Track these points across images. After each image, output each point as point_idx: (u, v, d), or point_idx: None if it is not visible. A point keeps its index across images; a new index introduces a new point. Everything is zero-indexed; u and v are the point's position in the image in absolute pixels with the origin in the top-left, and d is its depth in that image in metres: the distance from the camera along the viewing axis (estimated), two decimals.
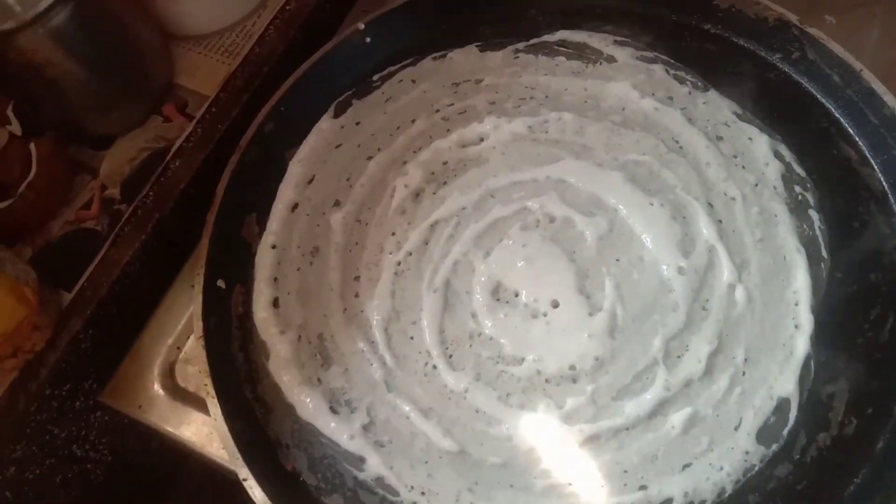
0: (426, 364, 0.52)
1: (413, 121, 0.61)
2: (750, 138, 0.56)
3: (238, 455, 0.48)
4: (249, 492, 0.47)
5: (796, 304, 0.51)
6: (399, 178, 0.58)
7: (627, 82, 0.59)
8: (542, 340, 0.51)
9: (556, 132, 0.58)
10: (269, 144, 0.60)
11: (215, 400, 0.50)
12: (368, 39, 0.63)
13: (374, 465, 0.49)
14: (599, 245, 0.53)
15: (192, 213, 0.59)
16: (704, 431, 0.48)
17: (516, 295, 0.53)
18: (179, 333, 0.60)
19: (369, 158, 0.60)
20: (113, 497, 0.68)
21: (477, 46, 0.63)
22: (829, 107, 0.58)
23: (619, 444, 0.48)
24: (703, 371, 0.49)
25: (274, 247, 0.57)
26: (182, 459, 0.75)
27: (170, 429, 0.57)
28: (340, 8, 0.72)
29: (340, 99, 0.63)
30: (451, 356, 0.52)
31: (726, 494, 0.47)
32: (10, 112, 0.62)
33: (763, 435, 0.48)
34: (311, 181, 0.59)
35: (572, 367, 0.50)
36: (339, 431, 0.51)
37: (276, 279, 0.56)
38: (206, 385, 0.51)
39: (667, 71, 0.60)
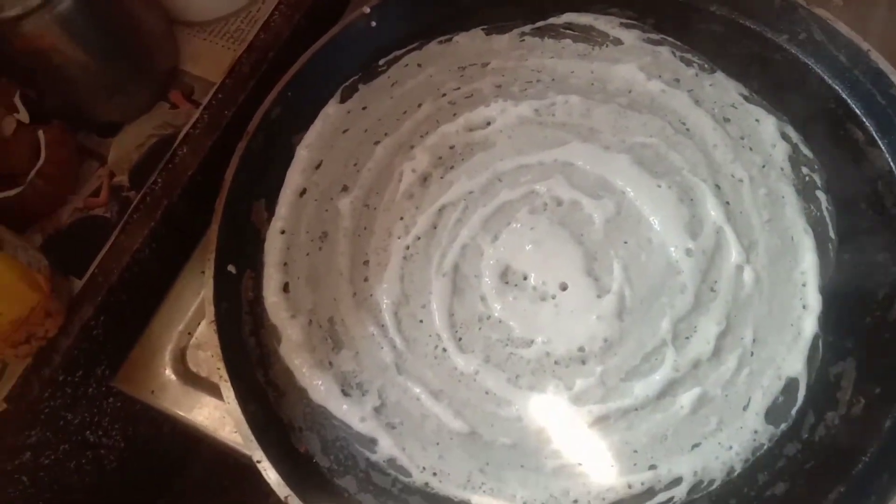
0: (436, 347, 0.52)
1: (419, 105, 0.61)
2: (757, 120, 0.57)
3: (252, 437, 0.49)
4: (263, 473, 0.48)
5: (804, 285, 0.51)
6: (406, 163, 0.58)
7: (634, 64, 0.59)
8: (551, 323, 0.51)
9: (562, 115, 0.58)
10: (276, 130, 0.60)
11: (228, 384, 0.51)
12: (374, 24, 0.63)
13: (386, 447, 0.50)
14: (607, 228, 0.54)
15: (201, 200, 0.59)
16: (713, 411, 0.49)
17: (525, 278, 0.53)
18: (190, 319, 0.60)
19: (376, 143, 0.60)
20: (125, 482, 0.69)
21: (483, 30, 0.63)
22: (837, 88, 0.57)
23: (629, 424, 0.49)
24: (711, 352, 0.50)
25: (283, 232, 0.57)
26: (193, 445, 0.76)
27: (182, 413, 0.57)
28: None
29: (347, 84, 0.63)
30: (460, 339, 0.52)
31: (735, 473, 0.47)
32: (17, 100, 0.63)
33: (772, 414, 0.48)
34: (318, 166, 0.60)
35: (581, 349, 0.50)
36: (351, 414, 0.51)
37: (285, 264, 0.57)
38: (219, 369, 0.51)
39: (673, 53, 0.60)
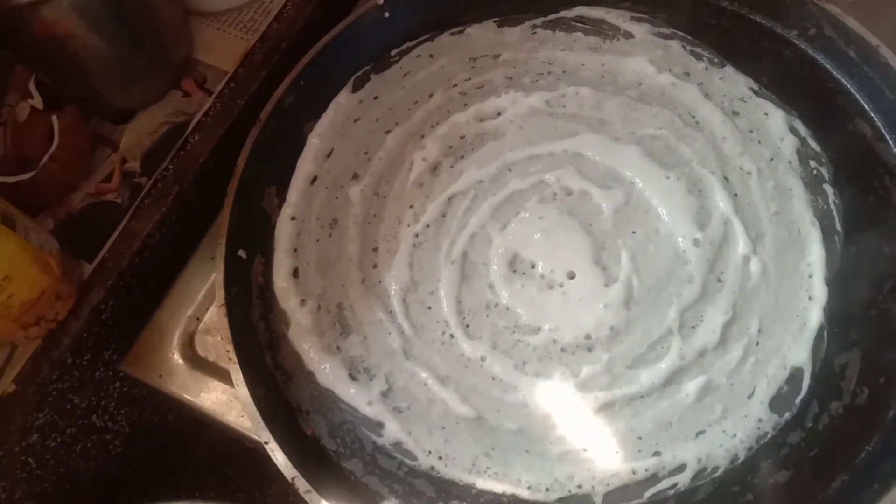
0: (443, 333, 0.53)
1: (431, 95, 0.61)
2: (766, 113, 0.57)
3: (260, 419, 0.49)
4: (271, 454, 0.48)
5: (810, 276, 0.51)
6: (417, 152, 0.59)
7: (645, 58, 0.60)
8: (559, 310, 0.52)
9: (573, 107, 0.59)
10: (288, 118, 0.60)
11: (237, 366, 0.51)
12: (387, 14, 0.63)
13: (393, 431, 0.50)
14: (616, 217, 0.54)
15: (212, 187, 0.59)
16: (718, 399, 0.49)
17: (533, 266, 0.54)
18: (199, 304, 0.61)
19: (387, 132, 0.60)
20: (130, 467, 0.69)
21: (495, 22, 0.64)
22: (845, 83, 0.58)
23: (634, 411, 0.49)
24: (717, 341, 0.50)
25: (293, 218, 0.58)
26: (197, 432, 0.76)
27: (189, 397, 0.58)
28: None
29: (359, 74, 0.63)
30: (468, 325, 0.53)
31: (739, 461, 0.48)
32: (31, 86, 0.63)
33: (776, 403, 0.49)
34: (329, 154, 0.60)
35: (588, 337, 0.51)
36: (359, 398, 0.52)
37: (295, 250, 0.57)
38: (228, 352, 0.52)
39: (683, 47, 0.60)
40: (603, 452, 0.49)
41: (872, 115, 0.56)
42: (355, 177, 0.59)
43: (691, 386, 0.49)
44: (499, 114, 0.60)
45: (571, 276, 0.53)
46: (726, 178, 0.55)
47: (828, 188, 0.54)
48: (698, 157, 0.55)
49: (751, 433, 0.48)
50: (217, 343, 0.59)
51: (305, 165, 0.60)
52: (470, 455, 0.49)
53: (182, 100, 0.66)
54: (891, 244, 0.52)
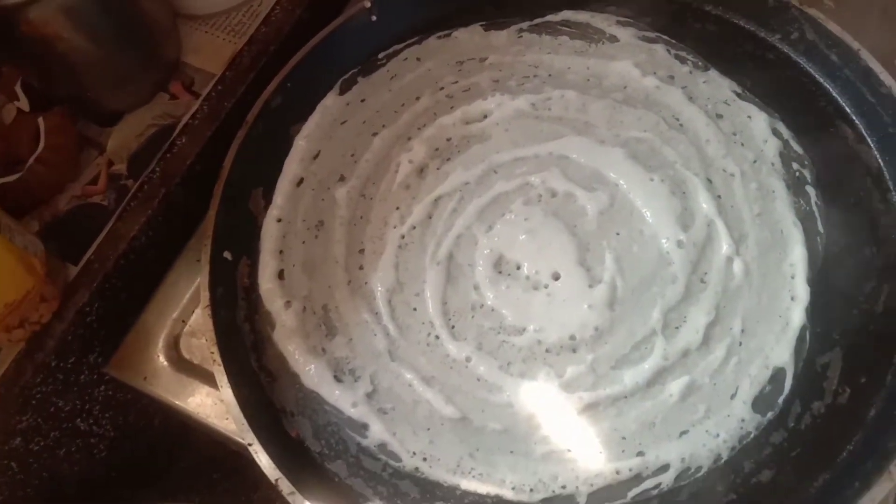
0: (429, 334, 0.53)
1: (418, 98, 0.61)
2: (749, 116, 0.57)
3: (244, 421, 0.49)
4: (255, 456, 0.48)
5: (793, 277, 0.52)
6: (403, 154, 0.59)
7: (629, 61, 0.60)
8: (543, 311, 0.52)
9: (558, 109, 0.59)
10: (275, 120, 0.61)
11: (221, 368, 0.51)
12: (374, 18, 0.64)
13: (378, 432, 0.50)
14: (600, 219, 0.54)
15: (199, 189, 0.59)
16: (701, 399, 0.49)
17: (518, 267, 0.54)
18: (184, 307, 0.61)
19: (374, 135, 0.60)
20: (115, 471, 0.69)
21: (481, 26, 0.64)
22: (828, 86, 0.58)
23: (618, 411, 0.49)
24: (700, 341, 0.50)
25: (279, 220, 0.58)
26: (183, 437, 0.76)
27: (174, 400, 0.58)
28: None
29: (346, 76, 0.63)
30: (453, 327, 0.53)
31: (722, 460, 0.48)
32: (18, 88, 0.63)
33: (759, 403, 0.49)
34: (316, 156, 0.60)
35: (572, 338, 0.51)
36: (343, 399, 0.51)
37: (281, 252, 0.57)
38: (212, 353, 0.52)
39: (668, 51, 0.61)
40: (587, 452, 0.49)
41: (854, 117, 0.57)
42: (342, 179, 0.59)
43: (675, 386, 0.49)
44: (485, 116, 0.60)
45: (556, 277, 0.53)
46: (710, 180, 0.55)
47: (810, 190, 0.55)
48: (682, 159, 0.56)
49: (734, 433, 0.48)
50: (202, 345, 0.59)
51: (292, 167, 0.60)
52: (454, 456, 0.49)
53: (169, 102, 0.67)
54: (872, 245, 0.53)
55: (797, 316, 0.50)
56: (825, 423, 0.48)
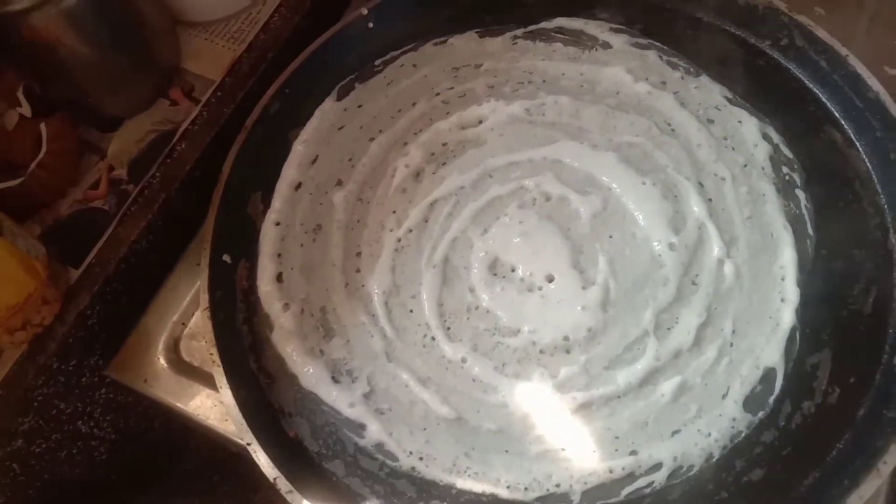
0: (425, 336, 0.54)
1: (414, 104, 0.62)
2: (740, 121, 0.58)
3: (243, 421, 0.50)
4: (254, 455, 0.49)
5: (783, 279, 0.53)
6: (400, 159, 0.60)
7: (622, 67, 0.61)
8: (538, 313, 0.53)
9: (552, 115, 0.60)
10: (273, 125, 0.62)
11: (221, 369, 0.52)
12: (371, 25, 0.65)
13: (375, 432, 0.51)
14: (593, 222, 0.55)
15: (198, 194, 0.60)
16: (693, 399, 0.50)
17: (513, 270, 0.55)
18: (184, 310, 0.62)
19: (371, 139, 0.61)
20: (115, 474, 0.69)
21: (477, 32, 0.65)
22: (817, 91, 0.59)
23: (611, 411, 0.50)
24: (692, 342, 0.51)
25: (278, 224, 0.59)
26: (183, 439, 0.77)
27: (174, 401, 0.58)
28: None
29: (343, 82, 0.64)
30: (449, 328, 0.54)
31: (714, 459, 0.48)
32: (20, 94, 0.64)
33: (750, 403, 0.49)
34: (314, 161, 0.61)
35: (566, 339, 0.52)
36: (341, 400, 0.52)
37: (279, 255, 0.58)
38: (211, 355, 0.52)
39: (660, 57, 0.62)
40: (580, 452, 0.49)
41: (843, 122, 0.58)
42: (339, 183, 0.60)
43: (667, 386, 0.50)
44: (480, 122, 0.61)
45: (550, 279, 0.54)
46: (701, 184, 0.56)
47: (800, 193, 0.56)
48: (674, 164, 0.56)
49: (725, 432, 0.49)
50: (202, 348, 0.60)
51: (290, 172, 0.61)
52: (450, 455, 0.50)
53: (169, 108, 0.67)
54: (861, 247, 0.54)
55: (787, 317, 0.51)
56: (815, 423, 0.49)
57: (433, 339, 0.53)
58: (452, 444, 0.50)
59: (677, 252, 0.53)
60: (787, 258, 0.53)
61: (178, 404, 0.58)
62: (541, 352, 0.52)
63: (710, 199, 0.55)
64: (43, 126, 0.62)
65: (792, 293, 0.52)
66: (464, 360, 0.52)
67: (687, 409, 0.49)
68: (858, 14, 0.67)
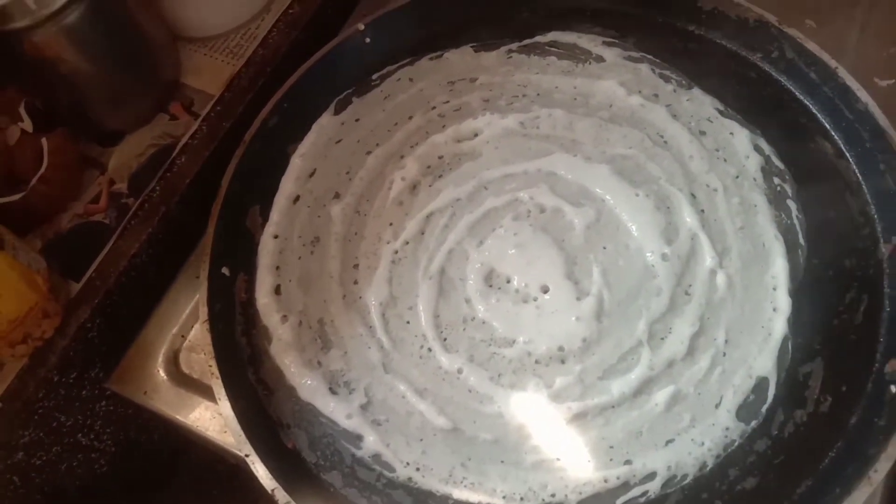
0: (422, 347, 0.54)
1: (410, 117, 0.63)
2: (731, 133, 0.59)
3: (241, 433, 0.50)
4: (252, 467, 0.49)
5: (775, 289, 0.53)
6: (397, 172, 0.60)
7: (615, 80, 0.62)
8: (533, 323, 0.53)
9: (546, 128, 0.61)
10: (272, 139, 0.62)
11: (220, 381, 0.52)
12: (368, 40, 0.66)
13: (372, 443, 0.51)
14: (587, 233, 0.56)
15: (198, 207, 0.61)
16: (687, 409, 0.50)
17: (508, 281, 0.55)
18: (184, 322, 0.62)
19: (368, 153, 0.62)
20: (116, 486, 0.69)
21: (472, 47, 0.66)
22: (807, 103, 0.60)
23: (606, 421, 0.50)
24: (685, 352, 0.51)
25: (276, 237, 0.59)
26: (184, 450, 0.77)
27: (174, 414, 0.58)
28: (342, 10, 0.75)
29: (341, 97, 0.65)
30: (445, 339, 0.54)
31: (707, 468, 0.49)
32: (21, 110, 0.65)
33: (743, 412, 0.50)
34: (312, 174, 0.62)
35: (561, 349, 0.52)
36: (338, 411, 0.53)
37: (277, 267, 0.58)
38: (210, 367, 0.53)
39: (652, 70, 0.63)
40: (575, 461, 0.50)
41: (833, 133, 0.59)
42: (337, 196, 0.61)
43: (660, 396, 0.50)
44: (476, 135, 0.62)
45: (545, 290, 0.54)
46: (693, 195, 0.57)
47: (791, 204, 0.56)
48: (666, 175, 0.57)
49: (718, 441, 0.49)
50: (201, 360, 0.60)
51: (288, 185, 0.61)
52: (447, 466, 0.50)
53: (169, 123, 0.68)
54: (852, 257, 0.54)
55: (779, 326, 0.52)
56: (808, 431, 0.49)
57: (430, 350, 0.54)
58: (449, 454, 0.51)
59: (670, 263, 0.54)
60: (778, 268, 0.53)
61: (177, 416, 0.58)
62: (536, 362, 0.52)
63: (702, 210, 0.56)
64: (44, 141, 0.63)
65: (784, 303, 0.52)
66: (460, 371, 0.53)
67: (680, 418, 0.50)
68: (849, 26, 0.68)
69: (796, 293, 0.53)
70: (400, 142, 0.62)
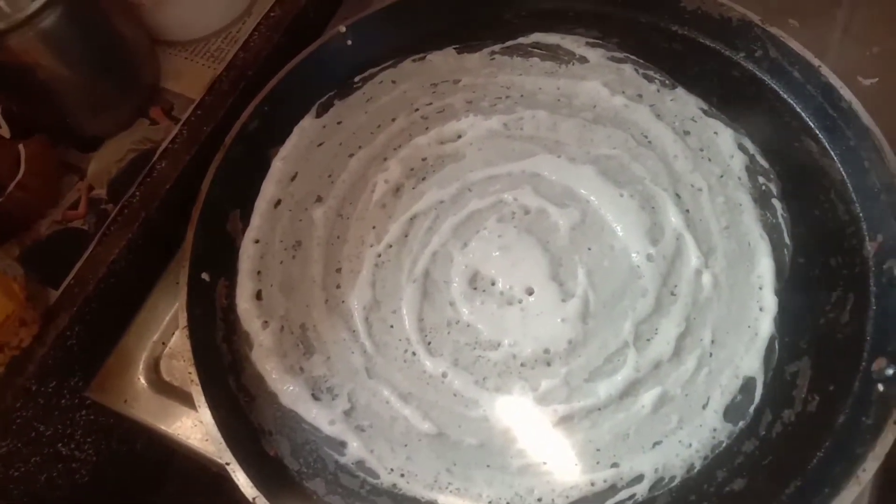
0: (405, 351, 0.54)
1: (393, 119, 0.63)
2: (715, 132, 0.59)
3: (222, 441, 0.49)
4: (233, 475, 0.48)
5: (761, 288, 0.53)
6: (379, 174, 0.60)
7: (598, 81, 0.62)
8: (518, 326, 0.53)
9: (530, 129, 0.60)
10: (252, 142, 0.62)
11: (199, 388, 0.51)
12: (350, 42, 0.65)
13: (355, 449, 0.51)
14: (572, 234, 0.55)
15: (178, 213, 0.60)
16: (674, 410, 0.50)
17: (493, 283, 0.55)
18: (164, 329, 0.61)
19: (350, 156, 0.61)
20: (98, 497, 0.68)
21: (455, 49, 0.66)
22: (791, 102, 0.60)
23: (592, 423, 0.50)
24: (671, 352, 0.51)
25: (257, 241, 0.59)
26: (167, 460, 0.76)
27: (155, 422, 0.58)
28: (323, 13, 0.75)
29: (322, 100, 0.65)
30: (429, 343, 0.53)
31: (695, 470, 0.48)
32: None
33: (730, 413, 0.50)
34: (293, 178, 0.61)
35: (546, 351, 0.52)
36: (321, 417, 0.52)
37: (259, 272, 0.58)
38: (190, 374, 0.52)
39: (636, 70, 0.63)
40: (562, 465, 0.49)
41: (817, 132, 0.59)
42: (319, 199, 0.60)
43: (647, 397, 0.50)
44: (459, 136, 0.61)
45: (530, 291, 0.54)
46: (678, 195, 0.56)
47: (776, 203, 0.56)
48: (651, 175, 0.57)
49: (706, 442, 0.49)
50: (182, 367, 0.59)
51: (269, 188, 0.61)
52: (432, 471, 0.50)
53: (149, 127, 0.67)
54: (837, 255, 0.54)
55: (766, 326, 0.51)
56: (795, 431, 0.49)
57: (414, 354, 0.53)
58: (434, 459, 0.50)
59: (656, 263, 0.53)
60: (764, 267, 0.53)
61: (158, 425, 0.57)
62: (521, 365, 0.52)
63: (687, 210, 0.56)
64: (21, 147, 0.62)
65: (770, 302, 0.52)
66: (444, 375, 0.52)
67: (668, 420, 0.49)
68: (832, 26, 0.68)
69: (782, 292, 0.53)
70: (382, 144, 0.62)
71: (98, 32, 0.62)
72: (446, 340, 0.53)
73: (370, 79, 0.65)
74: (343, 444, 0.51)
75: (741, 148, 0.58)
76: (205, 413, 0.50)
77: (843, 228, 0.55)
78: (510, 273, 0.54)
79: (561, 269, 0.54)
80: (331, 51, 0.65)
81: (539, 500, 0.48)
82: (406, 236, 0.57)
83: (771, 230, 0.55)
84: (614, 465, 0.48)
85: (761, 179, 0.57)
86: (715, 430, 0.49)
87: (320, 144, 0.63)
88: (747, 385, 0.50)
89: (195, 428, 0.57)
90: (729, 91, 0.61)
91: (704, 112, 0.60)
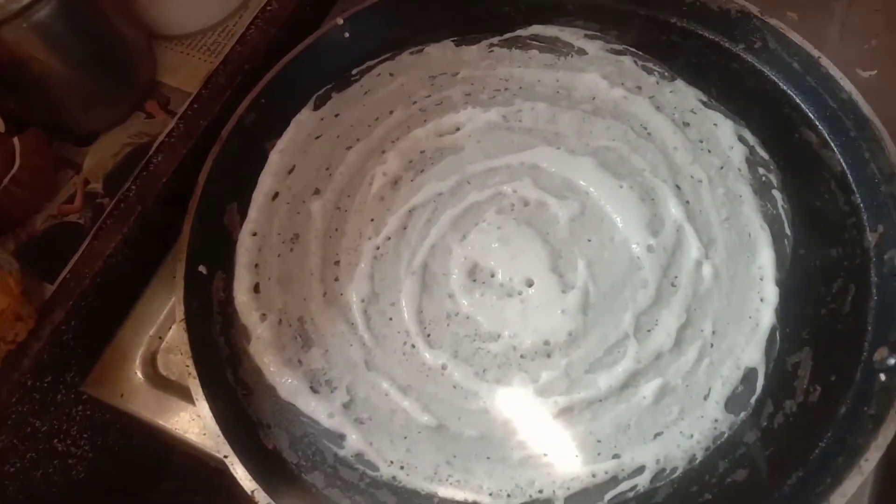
0: (405, 343, 0.53)
1: (391, 112, 0.62)
2: (715, 124, 0.59)
3: (220, 434, 0.49)
4: (231, 468, 0.48)
5: (761, 279, 0.53)
6: (378, 167, 0.60)
7: (598, 73, 0.62)
8: (518, 318, 0.52)
9: (529, 121, 0.60)
10: (249, 135, 0.61)
11: (197, 381, 0.51)
12: (347, 34, 0.65)
13: (354, 442, 0.50)
14: (572, 226, 0.55)
15: (174, 207, 0.60)
16: (675, 401, 0.49)
17: (492, 275, 0.54)
18: (161, 323, 0.61)
19: (348, 148, 0.61)
20: (94, 493, 0.68)
21: (453, 41, 0.66)
22: (791, 93, 0.60)
23: (593, 414, 0.50)
24: (672, 344, 0.51)
25: (255, 234, 0.58)
26: (164, 457, 0.76)
27: (152, 417, 0.57)
28: (321, 7, 0.74)
29: (320, 92, 0.64)
30: (429, 335, 0.53)
31: (697, 461, 0.48)
32: None
33: (731, 403, 0.49)
34: (291, 171, 0.61)
35: (546, 343, 0.51)
36: (320, 410, 0.52)
37: (256, 265, 0.57)
38: (188, 367, 0.52)
39: (635, 62, 0.62)
40: (563, 456, 0.49)
41: (817, 123, 0.59)
42: (316, 192, 0.60)
43: (648, 388, 0.49)
44: (457, 129, 0.61)
45: (530, 283, 0.53)
46: (678, 187, 0.56)
47: (776, 194, 0.56)
48: (650, 167, 0.57)
49: (707, 433, 0.48)
50: (179, 361, 0.58)
51: (267, 181, 0.60)
52: (432, 464, 0.49)
53: (145, 121, 0.67)
54: (838, 246, 0.54)
55: (767, 317, 0.51)
56: (797, 422, 0.49)
57: (413, 346, 0.53)
58: (434, 452, 0.50)
59: (656, 254, 0.53)
60: (765, 258, 0.53)
61: (156, 419, 0.57)
62: (521, 357, 0.52)
63: (687, 202, 0.56)
64: (16, 141, 0.61)
65: (771, 293, 0.52)
66: (444, 367, 0.52)
67: (669, 411, 0.49)
68: (830, 19, 0.68)
69: (783, 283, 0.53)
70: (381, 137, 0.61)
71: (93, 26, 0.61)
72: (446, 332, 0.53)
73: (368, 71, 0.65)
74: (342, 437, 0.51)
75: (741, 139, 0.58)
76: (203, 406, 0.50)
77: (844, 219, 0.55)
78: (510, 265, 0.54)
79: (561, 260, 0.54)
80: (328, 43, 0.65)
81: (540, 491, 0.48)
82: (405, 229, 0.57)
83: (771, 221, 0.55)
84: (615, 456, 0.48)
85: (761, 170, 0.57)
86: (716, 420, 0.49)
87: (318, 137, 0.62)
88: (748, 376, 0.50)
89: (193, 422, 0.56)
90: (728, 83, 0.61)
91: (704, 104, 0.60)
